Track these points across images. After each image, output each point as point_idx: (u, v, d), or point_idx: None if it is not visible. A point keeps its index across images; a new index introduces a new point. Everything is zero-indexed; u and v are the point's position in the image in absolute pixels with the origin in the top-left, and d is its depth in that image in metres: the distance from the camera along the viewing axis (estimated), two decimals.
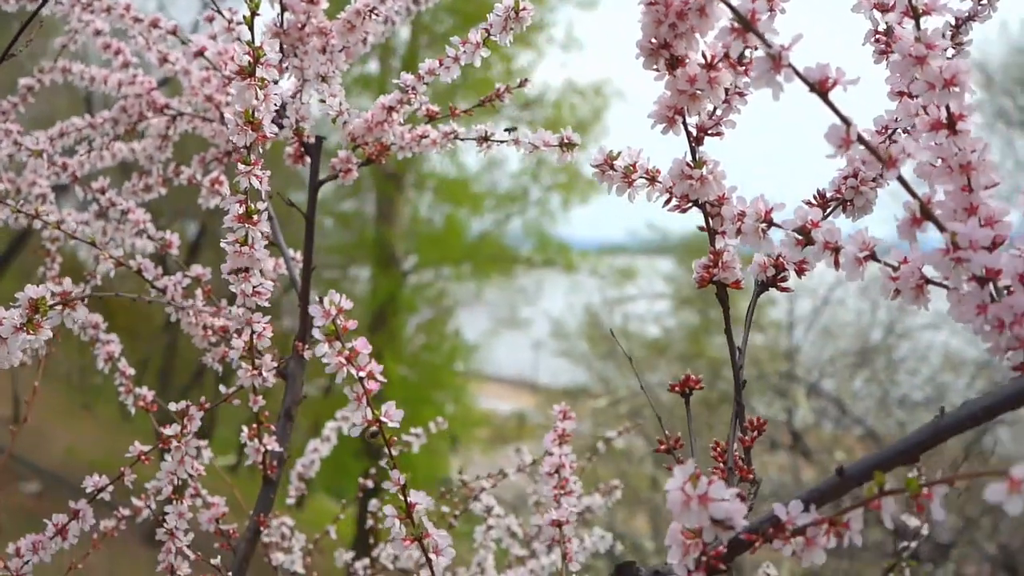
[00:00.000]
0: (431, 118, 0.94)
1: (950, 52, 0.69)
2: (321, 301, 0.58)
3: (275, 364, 0.88)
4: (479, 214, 11.77)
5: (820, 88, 0.48)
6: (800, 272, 0.64)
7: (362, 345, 0.59)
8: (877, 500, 0.46)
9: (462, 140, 0.92)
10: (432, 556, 0.61)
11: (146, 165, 1.17)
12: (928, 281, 0.52)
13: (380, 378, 0.60)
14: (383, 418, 0.60)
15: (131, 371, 1.07)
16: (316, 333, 0.58)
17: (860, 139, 0.48)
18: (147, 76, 1.17)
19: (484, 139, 0.90)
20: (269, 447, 0.93)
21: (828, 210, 0.65)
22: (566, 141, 0.81)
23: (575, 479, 0.89)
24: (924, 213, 0.49)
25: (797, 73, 0.48)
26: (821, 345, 7.52)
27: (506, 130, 0.90)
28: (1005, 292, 0.50)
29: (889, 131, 0.66)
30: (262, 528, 0.94)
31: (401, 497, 0.62)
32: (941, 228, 0.49)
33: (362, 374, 0.59)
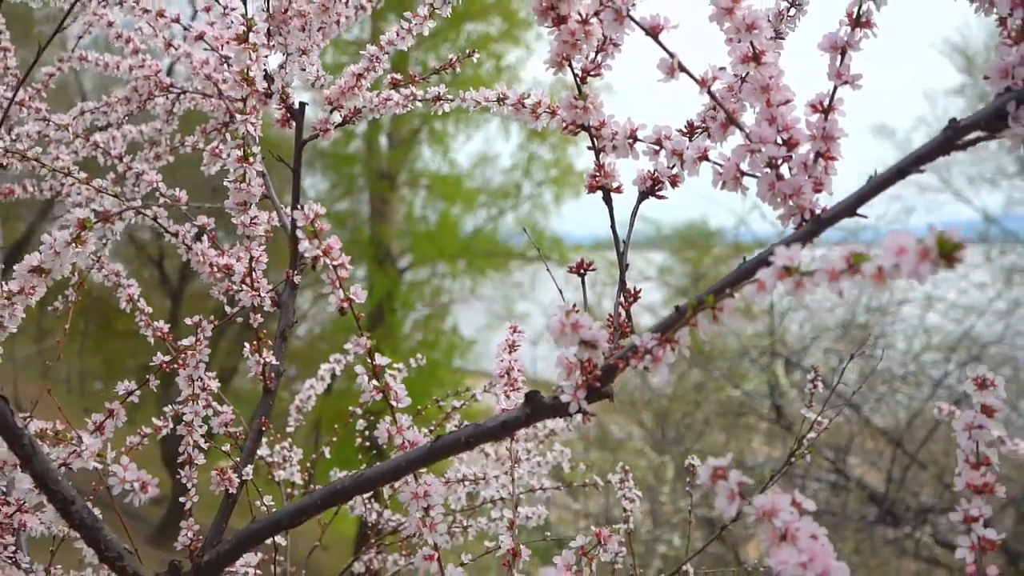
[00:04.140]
0: (394, 85, 1.13)
1: (792, 11, 0.89)
2: (302, 208, 0.77)
3: (271, 287, 1.08)
4: (472, 211, 11.96)
5: (653, 32, 0.68)
6: (673, 184, 0.84)
7: (335, 242, 0.79)
8: (693, 319, 0.65)
9: (420, 101, 1.12)
10: (393, 403, 0.81)
11: (155, 137, 1.36)
12: (743, 173, 0.71)
13: (348, 267, 0.79)
14: (352, 296, 0.79)
15: (149, 309, 1.26)
16: (299, 232, 0.77)
17: (681, 67, 0.68)
18: (154, 60, 1.36)
19: (437, 99, 1.09)
20: (268, 360, 1.12)
21: (695, 135, 0.84)
22: (502, 96, 1.00)
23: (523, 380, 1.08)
24: (730, 120, 0.69)
25: (635, 21, 0.67)
26: (806, 325, 7.74)
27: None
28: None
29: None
30: (263, 428, 1.14)
31: (368, 360, 0.81)
32: (741, 129, 0.68)
33: (336, 263, 0.78)
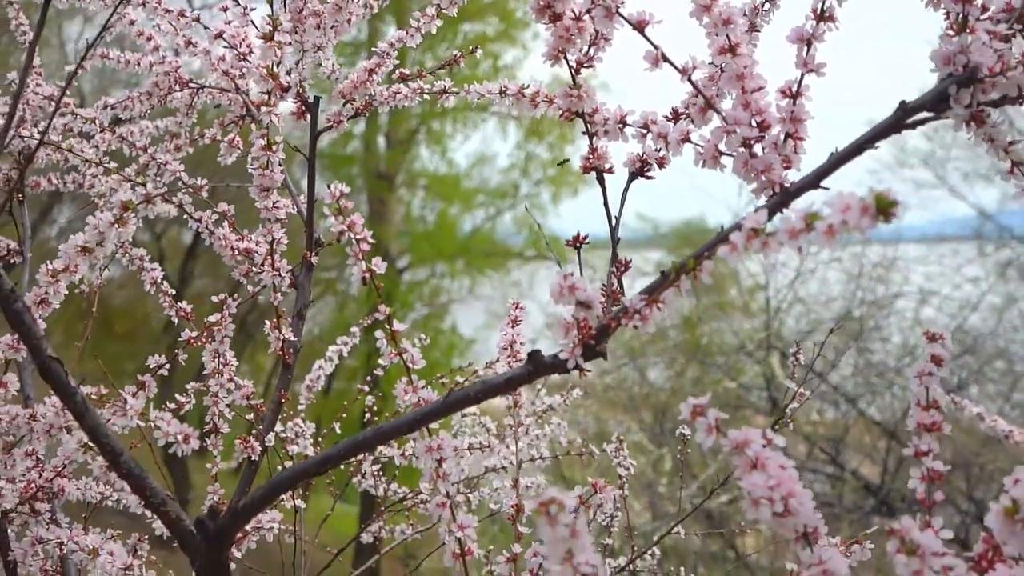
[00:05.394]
0: (402, 79, 1.21)
1: (767, 6, 0.97)
2: (329, 187, 0.85)
3: (291, 268, 1.16)
4: (470, 210, 12.05)
5: (639, 26, 0.76)
6: (660, 165, 0.92)
7: (358, 218, 0.87)
8: (676, 281, 0.73)
9: (427, 94, 1.20)
10: (410, 365, 0.89)
11: (175, 130, 1.44)
12: (721, 152, 0.80)
13: (370, 240, 0.87)
14: (373, 267, 0.88)
15: (172, 291, 1.34)
16: (326, 209, 0.85)
17: (664, 58, 0.76)
18: (174, 57, 1.44)
19: (443, 92, 1.18)
20: (287, 337, 1.21)
21: (679, 120, 0.92)
22: (503, 89, 1.09)
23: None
24: (708, 105, 0.77)
25: (623, 17, 0.76)
26: (802, 320, 7.85)
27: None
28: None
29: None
30: (282, 400, 1.22)
31: (388, 326, 0.89)
32: (719, 113, 0.77)
33: (359, 236, 0.86)
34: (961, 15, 0.69)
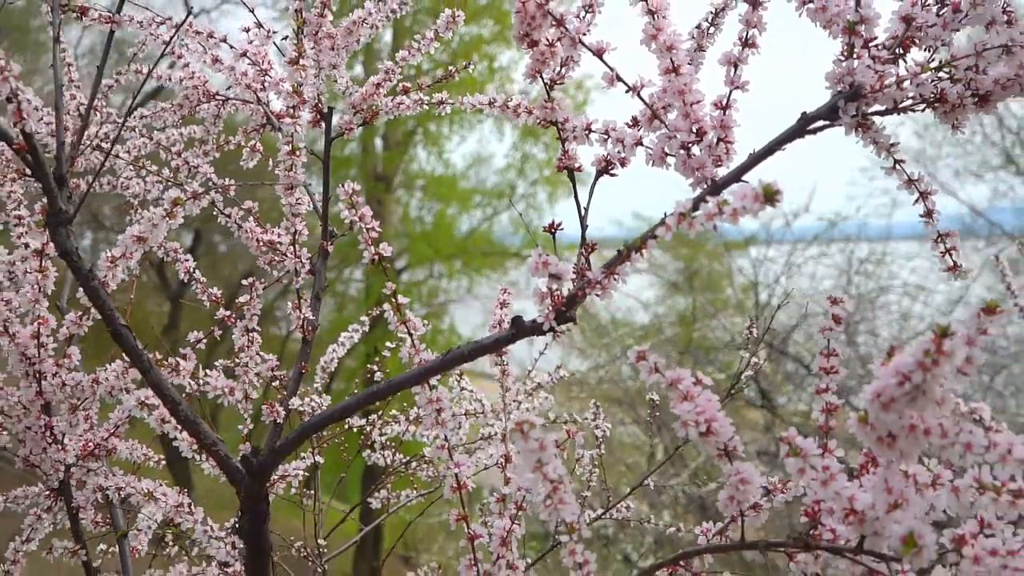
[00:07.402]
0: (405, 92, 1.40)
1: (711, 30, 1.15)
2: (342, 185, 1.04)
3: (310, 255, 1.34)
4: (467, 211, 12.23)
5: (598, 53, 0.94)
6: (622, 164, 1.10)
7: (367, 210, 1.05)
8: (628, 257, 0.91)
9: (427, 105, 1.38)
10: (412, 332, 1.07)
11: (204, 137, 1.62)
12: (666, 154, 0.98)
13: (377, 229, 1.06)
14: (380, 251, 1.06)
15: (204, 279, 1.52)
16: (340, 203, 1.04)
17: (618, 78, 0.94)
18: (201, 72, 1.62)
19: (441, 103, 1.36)
20: (306, 315, 1.39)
21: (639, 128, 1.10)
22: (491, 101, 1.27)
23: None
24: (653, 115, 0.96)
25: (584, 45, 0.94)
26: (794, 316, 8.05)
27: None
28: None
29: None
30: (303, 372, 1.40)
31: (393, 300, 1.08)
32: (662, 122, 0.95)
33: (368, 226, 1.05)
34: (848, 44, 0.88)
